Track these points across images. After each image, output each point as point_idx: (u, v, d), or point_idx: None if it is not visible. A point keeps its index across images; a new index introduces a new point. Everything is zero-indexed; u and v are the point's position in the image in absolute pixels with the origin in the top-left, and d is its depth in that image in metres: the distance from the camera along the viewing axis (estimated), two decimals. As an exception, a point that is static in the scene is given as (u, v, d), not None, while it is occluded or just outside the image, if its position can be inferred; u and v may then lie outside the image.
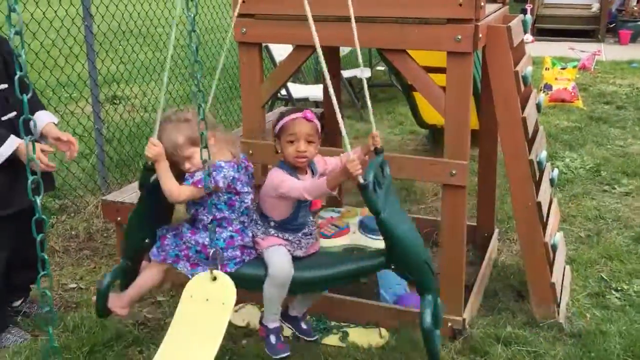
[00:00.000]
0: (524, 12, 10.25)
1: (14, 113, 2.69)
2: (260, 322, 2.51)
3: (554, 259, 3.03)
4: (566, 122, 6.13)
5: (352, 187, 4.65)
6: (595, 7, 11.36)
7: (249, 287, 2.41)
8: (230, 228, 2.35)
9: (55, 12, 4.41)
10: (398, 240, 2.22)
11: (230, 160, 2.33)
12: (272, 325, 2.46)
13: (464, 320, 2.82)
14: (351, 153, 2.19)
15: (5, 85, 2.68)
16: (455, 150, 2.66)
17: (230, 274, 2.28)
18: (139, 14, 5.47)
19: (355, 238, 3.16)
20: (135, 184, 3.70)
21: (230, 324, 2.96)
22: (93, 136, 4.61)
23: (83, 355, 2.73)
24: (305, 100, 5.99)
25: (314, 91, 6.03)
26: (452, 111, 2.63)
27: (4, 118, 2.66)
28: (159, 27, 5.76)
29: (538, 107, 3.16)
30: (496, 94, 2.82)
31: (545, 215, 2.97)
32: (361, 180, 2.14)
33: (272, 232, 2.40)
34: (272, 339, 2.45)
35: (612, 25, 11.07)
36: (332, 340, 2.85)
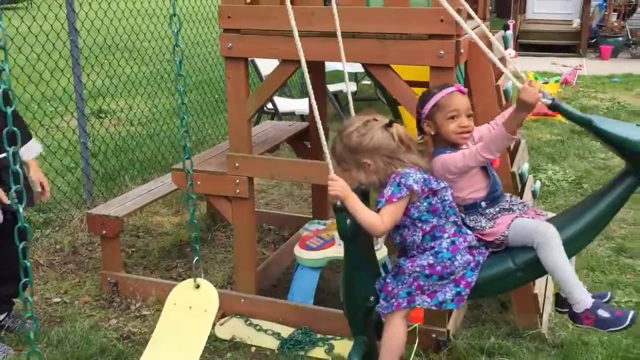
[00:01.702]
0: (507, 27, 10.41)
1: None
2: (575, 314, 2.12)
3: (536, 270, 3.06)
4: (549, 135, 6.22)
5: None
6: (576, 22, 11.56)
7: (501, 287, 2.19)
8: (446, 234, 2.12)
9: (41, 26, 4.42)
10: (628, 140, 2.04)
11: (416, 167, 2.11)
12: (589, 302, 2.09)
13: (448, 331, 2.84)
14: (522, 85, 2.04)
15: None
16: (438, 163, 2.69)
17: (476, 284, 2.08)
18: (124, 28, 5.49)
19: (339, 250, 3.17)
20: (121, 197, 3.71)
21: (215, 338, 2.97)
22: (79, 150, 4.61)
23: (67, 369, 2.72)
24: (291, 114, 6.03)
25: (300, 105, 6.07)
26: (435, 125, 2.67)
27: None
28: (145, 42, 5.77)
29: (519, 120, 3.21)
30: (478, 108, 2.85)
31: (527, 227, 3.00)
32: (547, 101, 1.99)
33: (491, 211, 2.17)
34: (604, 312, 2.07)
35: (593, 41, 11.26)
36: (318, 352, 2.86)
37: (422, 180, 2.08)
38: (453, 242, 2.11)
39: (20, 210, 1.61)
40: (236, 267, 3.24)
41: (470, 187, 2.20)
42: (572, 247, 2.13)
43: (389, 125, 2.11)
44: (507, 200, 2.26)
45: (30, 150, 2.89)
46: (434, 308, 2.13)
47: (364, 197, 2.18)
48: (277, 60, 3.07)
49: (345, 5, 2.70)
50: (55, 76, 4.69)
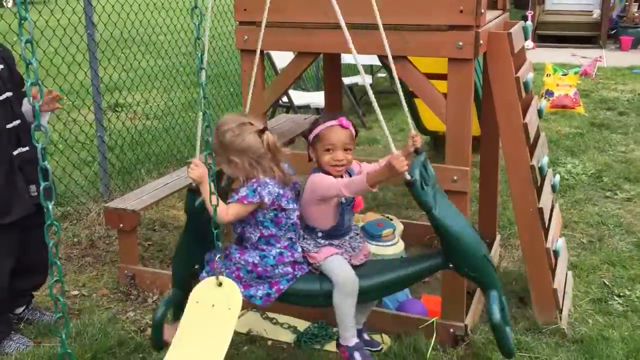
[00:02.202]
0: (525, 18, 10.29)
1: (19, 121, 2.71)
2: (338, 344, 2.43)
3: (556, 265, 3.03)
4: (568, 128, 6.14)
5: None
6: (596, 13, 11.38)
7: (303, 302, 2.40)
8: (279, 245, 2.31)
9: (58, 20, 4.44)
10: (453, 236, 2.18)
11: (275, 177, 2.28)
12: (352, 342, 2.37)
13: (466, 326, 2.81)
14: (395, 151, 2.17)
15: (10, 94, 2.69)
16: (456, 156, 2.67)
17: (285, 292, 2.30)
18: (140, 22, 5.50)
19: (357, 244, 3.16)
20: (138, 191, 3.72)
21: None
22: (95, 143, 4.63)
23: (85, 362, 2.74)
24: (306, 107, 6.01)
25: (315, 98, 6.05)
26: (454, 118, 2.64)
27: (8, 126, 2.67)
28: (161, 35, 5.78)
29: (539, 113, 3.17)
30: (497, 101, 2.82)
31: (547, 221, 2.97)
32: (408, 177, 2.12)
33: (322, 242, 2.36)
34: (358, 356, 2.36)
35: (613, 32, 11.09)
36: (334, 346, 2.84)
37: (275, 194, 2.26)
38: (281, 254, 2.31)
39: (50, 208, 1.58)
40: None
41: (318, 218, 2.37)
42: (367, 296, 2.38)
43: (261, 131, 2.28)
44: (344, 239, 2.41)
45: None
46: (243, 298, 2.28)
47: (218, 181, 2.33)
48: (293, 53, 3.05)
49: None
50: (72, 70, 4.71)
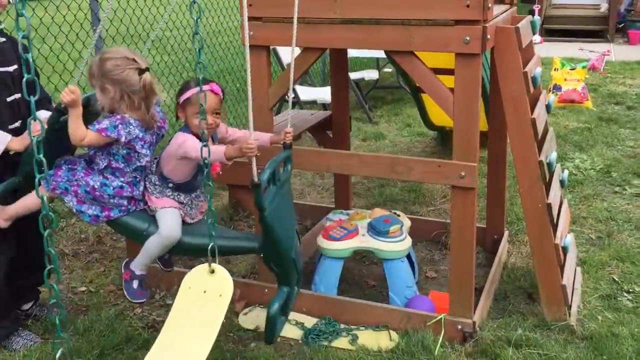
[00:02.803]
0: (532, 12, 10.22)
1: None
2: (127, 266, 2.56)
3: (564, 260, 3.01)
4: (576, 123, 6.09)
5: (361, 190, 4.63)
6: (604, 7, 11.29)
7: (127, 235, 2.58)
8: (122, 179, 2.43)
9: (64, 16, 4.43)
10: (273, 236, 2.34)
11: (140, 117, 2.39)
12: (139, 272, 2.54)
13: (474, 323, 2.80)
14: (254, 134, 2.35)
15: (19, 95, 2.71)
16: (464, 152, 2.65)
17: (112, 221, 2.45)
18: (146, 17, 5.49)
19: (363, 240, 3.15)
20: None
21: (239, 327, 2.97)
22: (102, 140, 4.62)
23: (93, 358, 2.74)
24: (313, 102, 5.99)
25: (322, 93, 6.04)
26: (461, 113, 2.62)
27: (11, 126, 2.68)
28: (167, 31, 5.77)
29: (548, 108, 3.14)
30: (505, 96, 2.80)
31: (555, 217, 2.95)
32: (255, 179, 2.24)
33: (169, 192, 2.49)
34: (135, 284, 2.54)
35: (621, 25, 11.00)
36: (341, 343, 2.84)
37: (134, 135, 2.37)
38: (121, 187, 2.43)
39: (45, 199, 1.66)
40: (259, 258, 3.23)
41: (175, 171, 2.48)
42: (183, 250, 2.52)
43: (142, 70, 2.38)
44: (189, 197, 2.54)
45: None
46: (74, 210, 2.44)
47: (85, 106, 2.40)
48: (299, 48, 3.03)
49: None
50: (78, 66, 4.70)
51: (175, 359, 2.09)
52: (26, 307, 3.08)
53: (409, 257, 3.19)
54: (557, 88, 6.77)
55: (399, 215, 3.42)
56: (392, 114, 6.52)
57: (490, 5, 2.54)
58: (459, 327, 2.79)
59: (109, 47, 4.79)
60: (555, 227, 2.94)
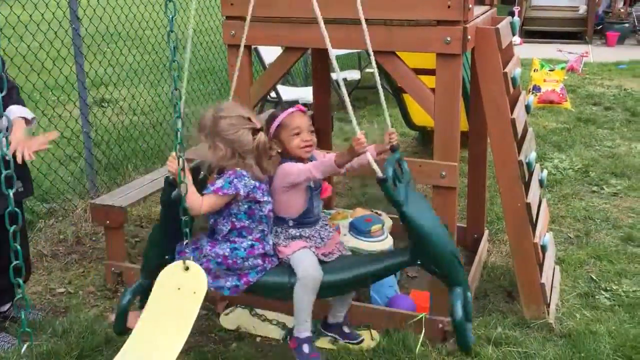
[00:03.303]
0: (512, 14, 10.30)
1: None
2: (291, 335, 2.48)
3: (543, 259, 3.04)
4: (555, 124, 6.17)
5: (343, 190, 4.64)
6: (583, 9, 11.45)
7: (272, 295, 2.45)
8: (250, 237, 2.35)
9: (42, 14, 4.38)
10: (423, 233, 2.23)
11: (252, 172, 2.32)
12: (303, 334, 2.43)
13: (454, 321, 2.81)
14: (360, 133, 2.24)
15: None
16: (444, 151, 2.67)
17: (253, 285, 2.33)
18: (126, 16, 5.45)
19: (345, 240, 3.15)
20: (124, 187, 3.69)
21: (220, 328, 2.96)
22: (81, 139, 4.58)
23: (72, 360, 2.71)
24: (294, 102, 5.98)
25: (304, 93, 6.03)
26: (442, 113, 2.63)
27: None
28: (147, 30, 5.73)
29: (527, 108, 3.17)
30: (485, 96, 2.82)
31: (534, 216, 2.98)
32: (379, 174, 2.17)
33: (293, 232, 2.42)
34: (306, 348, 2.42)
35: (599, 27, 11.16)
36: (323, 342, 2.84)
37: (251, 187, 2.31)
38: (252, 246, 2.34)
39: (11, 195, 1.65)
40: (241, 257, 3.22)
41: (288, 206, 2.43)
42: (328, 291, 2.44)
43: (256, 130, 2.34)
44: (315, 229, 2.48)
45: (22, 111, 2.68)
46: (211, 288, 2.35)
47: (195, 174, 2.37)
48: (281, 48, 3.03)
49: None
50: (57, 65, 4.65)
51: (148, 355, 2.09)
52: (3, 309, 3.03)
53: (390, 256, 3.20)
54: (536, 89, 6.85)
55: (380, 215, 3.43)
56: (374, 114, 6.53)
57: (470, 6, 2.56)
58: (440, 325, 2.80)
59: (88, 46, 4.74)
60: (534, 226, 2.97)
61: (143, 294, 2.45)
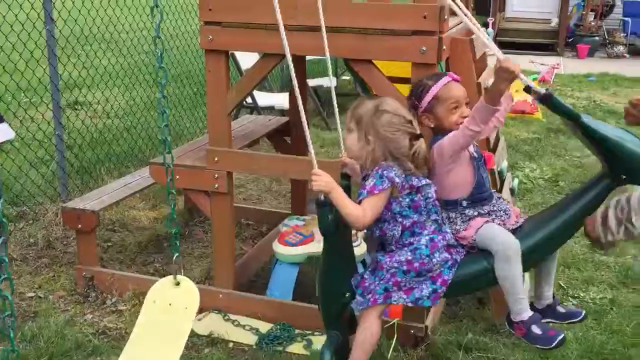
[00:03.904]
0: (486, 25, 10.48)
1: None
2: (512, 321, 2.20)
3: (514, 266, 3.08)
4: (526, 134, 6.28)
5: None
6: (555, 21, 11.69)
7: (476, 287, 2.23)
8: (426, 231, 2.12)
9: (16, 15, 4.32)
10: (614, 141, 2.04)
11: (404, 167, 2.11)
12: (526, 315, 2.15)
13: (426, 327, 2.85)
14: (501, 56, 2.03)
15: None
16: (418, 159, 2.70)
17: (452, 282, 2.11)
18: (102, 19, 5.40)
19: (318, 246, 3.15)
20: (97, 191, 3.65)
21: (193, 333, 2.94)
22: (53, 142, 4.52)
23: (41, 365, 2.67)
24: (271, 108, 5.99)
25: (280, 99, 6.04)
26: (416, 121, 2.67)
27: None
28: (123, 33, 5.69)
29: (499, 118, 3.23)
30: (459, 105, 2.87)
31: (505, 224, 3.02)
32: (541, 90, 1.98)
33: (469, 212, 2.17)
34: (536, 329, 2.13)
35: (570, 40, 11.40)
36: (296, 348, 2.85)
37: (403, 176, 2.10)
38: (432, 240, 2.12)
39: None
40: (214, 262, 3.21)
41: (457, 185, 2.20)
42: (536, 256, 2.19)
43: (416, 137, 2.12)
44: (492, 203, 2.26)
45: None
46: (410, 305, 2.14)
47: (346, 190, 2.18)
48: (258, 54, 3.04)
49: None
50: (30, 66, 4.59)
51: None
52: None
53: (363, 262, 3.22)
54: (509, 99, 6.96)
55: (354, 222, 3.45)
56: (349, 121, 6.57)
57: (446, 17, 2.61)
58: (412, 331, 2.83)
59: (62, 48, 4.69)
60: (505, 234, 3.02)
61: (338, 347, 2.22)
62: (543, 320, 2.25)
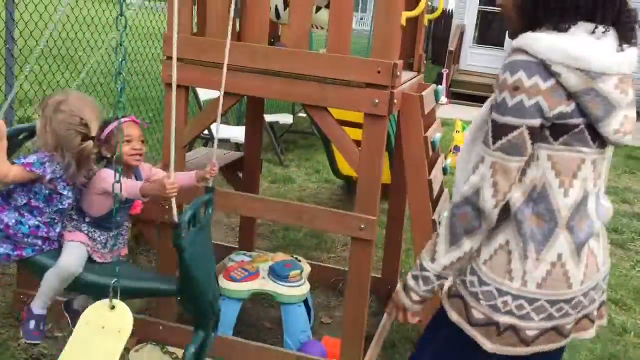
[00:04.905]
0: (441, 76, 10.89)
1: None
2: (27, 306, 2.51)
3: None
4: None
5: (266, 233, 4.69)
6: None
7: (37, 273, 2.48)
8: (40, 219, 2.39)
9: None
10: (192, 279, 2.32)
11: (65, 173, 2.38)
12: (38, 311, 2.48)
13: (362, 370, 2.91)
14: (179, 174, 2.38)
15: None
16: (365, 205, 2.80)
17: (24, 260, 2.41)
18: (59, 34, 5.37)
19: (263, 283, 3.22)
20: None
21: (130, 364, 2.92)
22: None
23: (-32, 391, 2.60)
24: (226, 141, 6.05)
25: (237, 133, 6.11)
26: (365, 168, 2.78)
27: None
28: (80, 51, 5.67)
29: (444, 170, 3.39)
30: (407, 157, 3.00)
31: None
32: (175, 220, 2.21)
33: (84, 228, 2.48)
34: (32, 324, 2.48)
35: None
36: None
37: (58, 176, 2.36)
38: (38, 227, 2.40)
39: None
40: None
41: (93, 206, 2.50)
42: (84, 288, 2.51)
43: (87, 138, 2.38)
44: (106, 236, 2.53)
45: None
46: None
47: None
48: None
49: (288, 48, 2.80)
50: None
51: None
52: None
53: (306, 302, 3.28)
54: (457, 149, 7.24)
55: (300, 261, 3.52)
56: (304, 159, 6.68)
57: (399, 73, 2.75)
58: (349, 374, 2.88)
59: (20, 66, 4.63)
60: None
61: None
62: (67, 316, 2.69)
